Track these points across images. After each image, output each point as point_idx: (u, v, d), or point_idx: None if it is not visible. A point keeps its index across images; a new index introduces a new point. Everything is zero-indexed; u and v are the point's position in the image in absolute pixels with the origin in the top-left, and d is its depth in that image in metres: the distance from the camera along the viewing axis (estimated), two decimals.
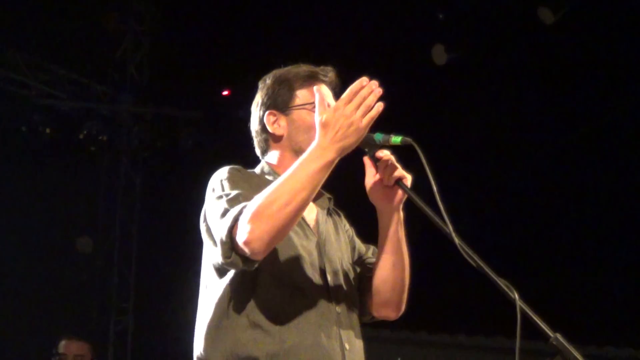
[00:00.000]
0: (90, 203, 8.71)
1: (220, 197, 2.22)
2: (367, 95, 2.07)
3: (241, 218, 2.08)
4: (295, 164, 2.10)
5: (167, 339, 7.72)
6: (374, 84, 2.09)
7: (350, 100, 2.07)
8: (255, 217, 2.05)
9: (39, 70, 7.94)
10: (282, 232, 2.09)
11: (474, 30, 7.40)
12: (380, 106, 2.08)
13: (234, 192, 2.21)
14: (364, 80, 2.09)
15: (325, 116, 2.08)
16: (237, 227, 2.09)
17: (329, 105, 2.17)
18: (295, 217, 2.10)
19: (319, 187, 2.13)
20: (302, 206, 2.09)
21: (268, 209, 2.05)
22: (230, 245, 2.10)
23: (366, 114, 2.07)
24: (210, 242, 2.23)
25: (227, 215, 2.13)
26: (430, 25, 7.42)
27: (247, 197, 2.16)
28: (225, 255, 2.12)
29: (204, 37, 8.07)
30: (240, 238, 2.07)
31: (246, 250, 2.08)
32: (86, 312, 8.56)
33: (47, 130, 7.88)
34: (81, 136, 8.10)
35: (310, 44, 7.02)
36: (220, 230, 2.13)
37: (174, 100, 8.47)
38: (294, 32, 7.53)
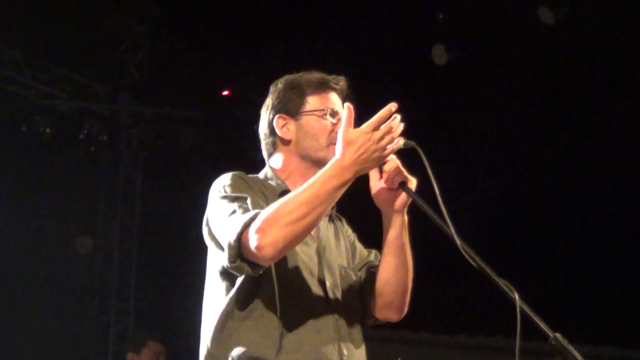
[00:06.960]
0: (90, 203, 8.71)
1: (226, 199, 2.23)
2: (395, 126, 2.08)
3: (254, 224, 2.09)
4: (315, 178, 2.10)
5: (167, 339, 7.72)
6: (397, 116, 2.09)
7: (377, 127, 2.07)
8: (272, 223, 2.06)
9: (39, 70, 7.95)
10: (295, 241, 2.12)
11: (474, 30, 7.40)
12: (400, 141, 2.10)
13: (241, 196, 2.22)
14: (393, 106, 2.09)
15: (352, 135, 2.07)
16: (247, 233, 2.09)
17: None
18: (310, 228, 2.13)
19: (335, 202, 2.15)
20: (318, 219, 2.12)
21: (286, 217, 2.06)
22: (237, 250, 2.11)
23: (389, 144, 2.08)
24: (214, 245, 2.25)
25: (237, 220, 2.14)
26: (430, 25, 7.42)
27: (256, 203, 2.19)
28: (231, 260, 2.13)
29: (203, 37, 8.07)
30: (253, 243, 2.07)
31: (257, 255, 2.08)
32: (86, 312, 8.56)
33: (47, 130, 7.87)
34: (81, 136, 8.10)
35: (310, 44, 7.04)
36: (228, 234, 2.14)
37: (174, 100, 8.47)
38: (293, 33, 7.53)
